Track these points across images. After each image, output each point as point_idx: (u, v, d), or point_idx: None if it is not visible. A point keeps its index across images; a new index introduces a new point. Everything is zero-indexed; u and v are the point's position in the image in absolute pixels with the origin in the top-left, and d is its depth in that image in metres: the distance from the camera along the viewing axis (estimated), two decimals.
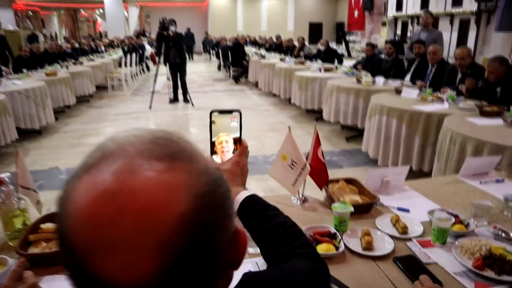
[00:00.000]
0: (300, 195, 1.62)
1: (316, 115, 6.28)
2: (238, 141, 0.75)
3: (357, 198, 1.59)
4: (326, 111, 5.39)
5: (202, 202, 0.37)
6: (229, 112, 0.73)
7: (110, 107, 7.57)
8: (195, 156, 0.40)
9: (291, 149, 1.43)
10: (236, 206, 0.71)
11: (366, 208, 1.55)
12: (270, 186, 3.55)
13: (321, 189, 1.66)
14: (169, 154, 0.38)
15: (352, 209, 1.38)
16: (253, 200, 0.72)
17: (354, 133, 5.24)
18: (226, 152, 0.75)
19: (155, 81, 7.58)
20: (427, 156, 3.46)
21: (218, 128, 0.74)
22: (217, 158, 0.76)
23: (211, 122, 0.72)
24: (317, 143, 1.56)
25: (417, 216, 1.48)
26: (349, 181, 1.73)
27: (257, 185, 3.58)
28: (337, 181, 1.72)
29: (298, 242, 0.65)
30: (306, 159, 1.48)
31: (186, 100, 7.69)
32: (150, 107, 7.22)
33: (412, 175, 3.21)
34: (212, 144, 0.75)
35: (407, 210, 1.55)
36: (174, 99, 7.80)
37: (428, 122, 3.44)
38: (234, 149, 0.75)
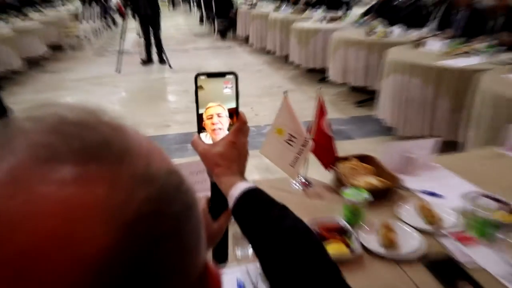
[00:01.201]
0: (301, 178, 1.60)
1: (319, 75, 6.15)
2: (234, 114, 0.70)
3: (374, 181, 1.53)
4: (331, 70, 5.28)
5: (135, 233, 0.29)
6: (221, 75, 0.68)
7: (68, 71, 7.51)
8: (130, 153, 0.32)
9: (288, 120, 1.39)
10: (230, 202, 0.67)
11: (385, 194, 1.50)
12: (266, 164, 3.44)
13: (327, 169, 1.62)
14: (82, 151, 0.30)
15: (368, 195, 1.32)
16: (253, 197, 0.67)
17: (366, 96, 5.11)
18: (219, 129, 0.70)
19: (122, 37, 7.41)
20: (458, 123, 3.33)
21: (206, 96, 0.69)
22: (206, 138, 0.71)
23: (196, 89, 0.67)
24: (321, 111, 1.51)
25: (451, 202, 1.42)
26: (363, 159, 1.67)
27: (250, 163, 3.52)
28: (347, 158, 1.67)
29: (316, 265, 0.59)
30: (308, 132, 1.45)
31: (162, 61, 7.58)
32: (118, 70, 7.12)
33: (442, 147, 3.16)
34: (200, 118, 0.69)
35: (438, 195, 1.50)
36: (148, 60, 7.68)
37: (459, 81, 3.34)
38: (229, 124, 0.70)
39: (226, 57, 8.13)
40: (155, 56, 7.68)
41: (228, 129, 0.71)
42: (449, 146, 3.33)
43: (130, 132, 0.34)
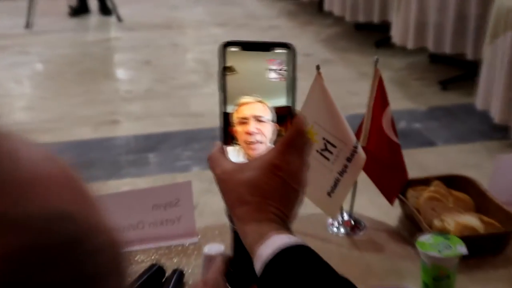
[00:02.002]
0: (345, 216, 1.27)
1: (376, 36, 4.18)
2: (286, 117, 0.55)
3: (475, 222, 1.17)
4: (397, 27, 3.55)
5: None
6: (266, 47, 0.53)
7: None
8: None
9: (323, 115, 1.10)
10: (257, 266, 0.51)
11: (497, 245, 1.17)
12: None
13: (390, 201, 1.25)
14: None
15: (464, 249, 1.00)
16: (295, 261, 0.51)
17: (458, 71, 3.54)
18: (258, 143, 0.55)
19: None
20: None
21: (239, 85, 0.55)
22: (236, 154, 0.56)
23: (224, 70, 0.53)
24: (380, 99, 1.15)
25: None
26: (454, 182, 1.29)
27: None
28: (427, 182, 1.27)
29: None
30: (358, 136, 1.14)
31: (104, 9, 5.12)
32: (29, 25, 4.76)
33: None
34: (226, 120, 0.55)
35: None
36: (80, 9, 5.16)
37: None
38: (277, 134, 0.55)
39: (217, 4, 5.45)
40: (92, 2, 5.17)
41: (275, 142, 0.56)
42: None
43: (7, 144, 0.27)
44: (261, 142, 0.57)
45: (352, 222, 1.29)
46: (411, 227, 1.26)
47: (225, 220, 0.69)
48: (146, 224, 1.07)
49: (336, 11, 4.34)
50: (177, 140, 2.76)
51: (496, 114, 2.64)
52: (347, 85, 3.36)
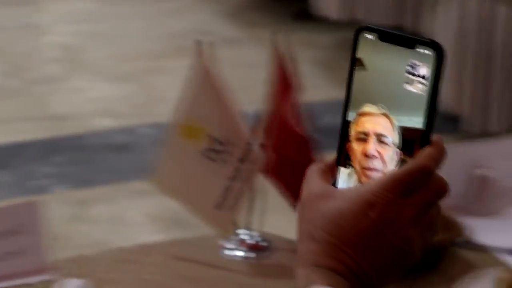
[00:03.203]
0: (244, 234, 1.18)
1: (295, 5, 3.76)
2: (415, 143, 0.47)
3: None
4: None
5: None
6: (410, 42, 0.46)
7: None
8: None
9: (209, 105, 1.06)
10: None
11: (435, 258, 1.15)
12: (171, 209, 2.00)
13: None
14: None
15: None
16: None
17: None
18: (374, 170, 0.48)
19: None
20: None
21: (364, 87, 0.48)
22: (347, 178, 0.50)
23: (353, 63, 0.47)
24: (282, 83, 1.08)
25: None
26: None
27: (138, 207, 2.41)
28: None
29: None
30: (254, 130, 1.08)
31: None
32: None
33: None
34: (345, 131, 0.49)
35: None
36: None
37: None
38: (400, 161, 0.47)
39: None
40: None
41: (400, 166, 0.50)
42: None
43: None
44: (377, 170, 0.49)
45: (252, 242, 1.19)
46: None
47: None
48: None
49: None
50: (33, 152, 2.43)
51: (447, 101, 2.43)
52: (259, 71, 2.94)
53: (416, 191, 0.45)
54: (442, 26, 2.56)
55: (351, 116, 0.49)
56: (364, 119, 0.49)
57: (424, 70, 0.46)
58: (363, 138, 0.48)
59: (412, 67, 0.46)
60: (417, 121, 0.47)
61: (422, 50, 0.46)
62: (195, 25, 3.82)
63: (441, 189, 0.46)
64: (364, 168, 0.49)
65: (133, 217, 2.31)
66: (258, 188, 1.09)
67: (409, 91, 0.47)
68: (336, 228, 0.47)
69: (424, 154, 0.45)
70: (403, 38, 0.47)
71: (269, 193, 1.14)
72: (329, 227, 0.47)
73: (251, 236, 1.17)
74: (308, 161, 1.05)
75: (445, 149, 0.48)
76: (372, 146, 0.48)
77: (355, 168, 0.50)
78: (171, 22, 3.90)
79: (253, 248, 1.18)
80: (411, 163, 0.46)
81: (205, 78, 1.03)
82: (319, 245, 0.48)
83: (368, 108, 0.48)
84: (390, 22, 3.04)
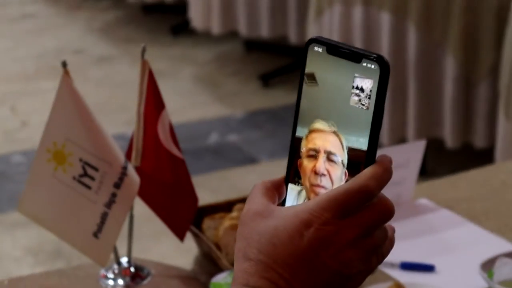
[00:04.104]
0: (122, 262, 1.14)
1: (171, 20, 3.50)
2: (361, 165, 0.44)
3: None
4: (196, 7, 2.99)
5: None
6: (356, 56, 0.44)
7: None
8: None
9: (79, 128, 1.01)
10: None
11: None
12: (50, 240, 1.93)
13: (181, 237, 1.13)
14: None
15: None
16: None
17: (281, 61, 3.11)
18: (321, 187, 0.46)
19: None
20: (479, 104, 2.19)
21: (315, 103, 0.47)
22: (296, 196, 0.49)
23: (303, 76, 0.46)
24: (152, 100, 1.05)
25: (457, 281, 1.13)
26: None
27: (6, 238, 2.29)
28: (227, 207, 1.21)
29: None
30: (128, 153, 1.04)
31: None
32: None
33: (443, 158, 2.26)
34: (294, 148, 0.48)
35: (429, 268, 1.15)
36: None
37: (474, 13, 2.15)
38: (346, 180, 0.46)
39: None
40: None
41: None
42: (455, 155, 2.21)
43: None
44: (325, 188, 0.46)
45: (132, 270, 1.16)
46: (210, 268, 1.16)
47: None
48: None
49: None
50: None
51: None
52: (134, 89, 2.77)
53: (357, 212, 0.43)
54: (326, 36, 2.63)
55: (302, 132, 0.47)
56: (314, 135, 0.47)
57: (370, 85, 0.44)
58: (314, 155, 0.47)
59: (358, 82, 0.45)
60: (363, 142, 0.45)
61: (367, 65, 0.44)
62: (67, 43, 3.58)
63: (386, 211, 0.44)
64: (313, 186, 0.47)
65: (11, 250, 2.12)
66: (136, 214, 1.06)
67: (356, 108, 0.45)
68: (269, 247, 0.44)
69: (365, 173, 0.43)
70: (349, 52, 0.45)
71: (150, 218, 1.11)
72: (263, 246, 0.44)
73: (132, 264, 1.15)
74: (184, 183, 1.07)
75: (391, 169, 0.45)
76: (321, 164, 0.46)
77: (305, 186, 0.48)
78: (41, 40, 3.62)
79: (134, 276, 1.15)
80: (350, 182, 0.44)
81: (71, 101, 0.98)
82: (252, 264, 0.45)
83: (319, 124, 0.46)
84: (274, 35, 2.99)
